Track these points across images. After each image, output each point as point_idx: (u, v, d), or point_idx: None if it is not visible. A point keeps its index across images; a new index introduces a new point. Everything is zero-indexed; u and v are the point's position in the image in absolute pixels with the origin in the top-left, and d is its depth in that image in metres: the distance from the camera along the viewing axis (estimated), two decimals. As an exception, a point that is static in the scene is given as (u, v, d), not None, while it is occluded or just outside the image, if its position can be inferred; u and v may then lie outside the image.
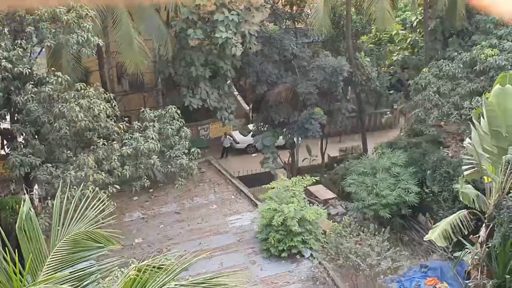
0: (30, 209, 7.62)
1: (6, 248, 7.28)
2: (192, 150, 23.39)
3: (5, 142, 23.21)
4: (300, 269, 20.56)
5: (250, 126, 34.01)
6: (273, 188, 22.42)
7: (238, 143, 35.63)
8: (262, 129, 30.00)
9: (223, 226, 23.37)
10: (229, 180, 27.33)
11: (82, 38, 19.70)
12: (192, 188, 26.43)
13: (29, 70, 19.29)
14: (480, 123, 16.60)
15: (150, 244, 22.04)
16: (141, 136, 21.41)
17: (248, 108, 37.59)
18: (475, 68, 26.24)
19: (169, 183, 25.00)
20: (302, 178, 22.90)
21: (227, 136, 34.97)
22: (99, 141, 20.47)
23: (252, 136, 30.82)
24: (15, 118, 20.84)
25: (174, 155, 22.69)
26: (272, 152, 29.14)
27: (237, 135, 35.57)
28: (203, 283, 7.39)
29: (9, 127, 20.83)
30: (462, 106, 25.43)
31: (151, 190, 25.12)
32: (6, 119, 21.38)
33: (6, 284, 6.85)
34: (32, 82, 19.64)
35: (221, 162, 31.57)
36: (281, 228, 20.75)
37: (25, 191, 19.33)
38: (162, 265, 7.41)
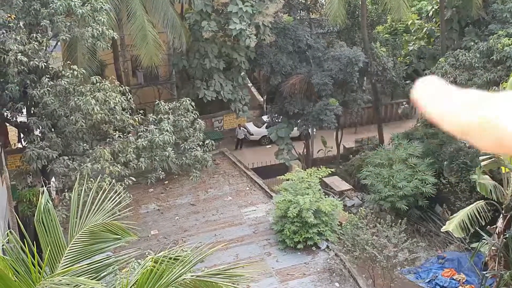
0: (48, 201, 7.67)
1: (25, 239, 7.34)
2: (207, 142, 23.41)
3: (22, 135, 23.42)
4: (316, 261, 20.55)
5: (264, 118, 33.97)
6: (288, 179, 22.37)
7: (252, 134, 35.59)
8: (277, 120, 29.92)
9: (238, 218, 23.41)
10: (243, 172, 27.34)
11: (97, 32, 19.76)
12: (206, 180, 26.48)
13: (45, 64, 19.41)
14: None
15: (165, 236, 22.15)
16: (156, 128, 21.47)
17: (262, 99, 37.53)
18: (492, 57, 25.96)
19: (184, 175, 25.08)
20: (317, 169, 22.83)
21: (241, 127, 34.95)
22: (114, 133, 20.56)
23: (266, 127, 30.71)
24: (32, 112, 21.00)
25: (188, 147, 22.73)
26: (286, 144, 29.07)
27: (251, 126, 35.53)
28: (218, 274, 7.40)
29: (26, 121, 21.00)
30: (479, 96, 25.16)
31: (166, 182, 25.22)
32: (22, 112, 21.56)
33: (24, 276, 6.91)
34: (48, 76, 19.75)
35: (236, 153, 31.57)
36: (296, 219, 20.72)
37: (43, 184, 19.48)
38: (178, 256, 7.44)
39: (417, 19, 39.11)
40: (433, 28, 37.56)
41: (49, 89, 19.44)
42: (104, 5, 20.41)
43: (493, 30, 28.05)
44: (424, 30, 38.57)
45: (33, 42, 18.97)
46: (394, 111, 39.58)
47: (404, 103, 39.54)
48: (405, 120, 38.57)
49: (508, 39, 25.61)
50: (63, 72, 19.88)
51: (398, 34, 37.74)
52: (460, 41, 30.65)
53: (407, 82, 35.94)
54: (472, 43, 27.89)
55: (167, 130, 21.43)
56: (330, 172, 23.66)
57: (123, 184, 18.67)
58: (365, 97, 30.23)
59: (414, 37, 39.14)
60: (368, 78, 31.75)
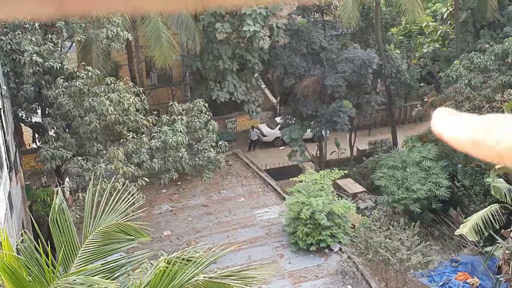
0: (62, 201, 7.72)
1: (39, 239, 7.39)
2: (220, 143, 23.45)
3: (36, 135, 23.59)
4: (328, 263, 20.49)
5: (278, 119, 33.94)
6: (301, 181, 22.35)
7: (266, 136, 35.57)
8: (290, 122, 29.90)
9: (250, 219, 23.41)
10: (256, 173, 27.34)
11: (112, 33, 19.89)
12: (219, 181, 26.51)
13: (60, 65, 19.56)
14: (512, 116, 16.30)
15: (178, 237, 22.20)
16: (169, 129, 21.55)
17: (275, 101, 37.50)
18: (507, 60, 25.75)
19: (197, 176, 25.13)
20: (330, 171, 22.78)
21: (255, 129, 34.94)
22: (128, 134, 20.67)
23: (280, 129, 30.70)
24: (46, 112, 21.18)
25: (202, 148, 22.78)
26: (299, 145, 29.04)
27: (264, 128, 35.52)
28: (231, 275, 7.41)
29: (41, 121, 21.17)
30: (494, 99, 25.00)
31: (179, 183, 25.28)
32: (37, 113, 21.75)
33: (38, 275, 6.96)
34: (63, 77, 19.90)
35: (249, 155, 31.57)
36: (309, 221, 20.68)
37: (57, 184, 19.62)
38: (191, 257, 7.45)
39: (432, 21, 38.90)
40: (447, 30, 37.35)
41: (64, 89, 19.58)
42: (118, 6, 20.49)
43: (509, 32, 27.86)
44: (438, 32, 38.36)
45: (48, 43, 19.12)
46: (408, 114, 39.36)
47: (418, 105, 39.33)
48: (419, 122, 38.32)
49: (524, 42, 25.42)
50: (77, 73, 20.02)
51: (412, 36, 37.57)
52: (475, 44, 30.46)
53: (421, 84, 35.77)
54: (487, 46, 27.69)
55: (180, 131, 21.50)
56: (343, 174, 23.59)
57: (136, 184, 18.75)
58: (379, 99, 30.12)
59: (429, 39, 38.93)
60: (382, 80, 31.63)
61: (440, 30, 38.17)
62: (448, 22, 36.91)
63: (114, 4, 0.58)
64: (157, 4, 0.59)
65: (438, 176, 25.07)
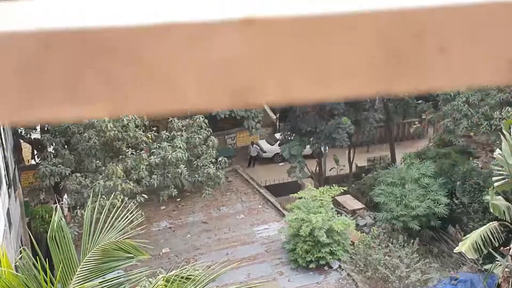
0: (61, 218, 7.72)
1: (37, 256, 7.38)
2: (220, 159, 23.46)
3: (35, 152, 23.59)
4: (328, 281, 20.42)
5: (277, 135, 33.97)
6: (301, 197, 22.34)
7: (265, 152, 35.57)
8: (289, 138, 29.94)
9: (250, 236, 23.35)
10: (256, 190, 27.33)
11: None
12: (219, 197, 26.47)
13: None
14: (510, 134, 16.34)
15: (177, 254, 22.12)
16: (169, 145, 21.56)
17: (275, 117, 37.56)
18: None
19: (196, 193, 25.09)
20: (330, 187, 22.79)
21: (254, 145, 34.96)
22: (127, 150, 20.68)
23: (279, 145, 30.74)
24: (46, 128, 21.20)
25: (201, 164, 22.77)
26: (299, 162, 29.05)
27: (264, 144, 35.54)
28: (231, 294, 7.40)
29: (40, 137, 21.18)
30: (492, 117, 25.06)
31: (179, 199, 25.24)
32: (36, 129, 21.77)
33: (37, 293, 6.94)
34: (63, 93, 19.96)
35: (248, 171, 31.57)
36: (308, 238, 20.64)
37: (56, 201, 19.60)
38: (190, 275, 7.44)
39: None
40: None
41: (64, 106, 19.64)
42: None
43: (507, 50, 27.98)
44: (437, 50, 38.55)
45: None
46: (406, 131, 39.44)
47: (416, 122, 39.43)
48: (417, 139, 38.39)
49: (522, 59, 25.52)
50: (77, 89, 20.09)
51: (411, 53, 37.77)
52: (473, 61, 30.59)
53: (419, 101, 35.87)
54: (486, 63, 27.84)
55: (180, 147, 21.51)
56: (343, 190, 23.60)
57: (135, 201, 18.72)
58: (377, 116, 30.22)
59: (427, 56, 39.12)
60: (380, 97, 31.75)
61: (439, 48, 38.36)
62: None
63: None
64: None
65: (436, 193, 25.05)
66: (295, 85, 0.62)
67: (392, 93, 0.66)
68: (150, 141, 21.83)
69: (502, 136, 17.00)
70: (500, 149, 17.19)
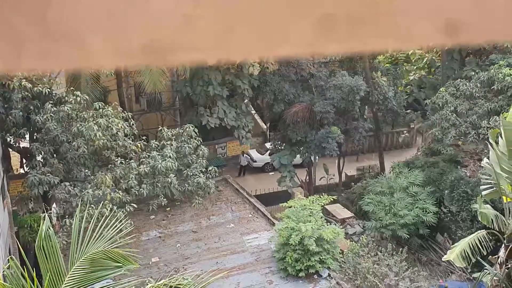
0: (49, 228, 7.70)
1: (25, 266, 7.36)
2: (210, 168, 23.45)
3: (24, 160, 23.48)
4: (317, 289, 20.42)
5: (268, 145, 34.08)
6: (290, 206, 22.37)
7: (256, 161, 35.64)
8: (280, 147, 30.02)
9: (240, 245, 23.32)
10: (246, 199, 27.31)
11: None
12: (209, 206, 26.43)
13: (49, 90, 19.60)
14: (498, 143, 16.47)
15: (167, 263, 22.05)
16: (158, 154, 21.54)
17: (265, 126, 37.67)
18: (493, 87, 26.06)
19: (186, 202, 25.05)
20: (320, 196, 22.84)
21: (245, 154, 35.01)
22: (117, 159, 20.64)
23: (270, 154, 30.81)
24: (34, 137, 21.12)
25: (191, 174, 22.75)
26: (289, 171, 29.12)
27: (254, 153, 35.60)
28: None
29: (28, 146, 21.10)
30: (479, 126, 25.25)
31: (168, 208, 25.17)
32: (25, 138, 21.68)
33: (24, 303, 6.92)
34: (51, 102, 19.92)
35: (239, 180, 31.57)
36: (298, 247, 20.65)
37: (44, 210, 19.51)
38: (179, 284, 7.45)
39: (418, 49, 39.42)
40: (433, 58, 37.84)
41: (52, 115, 19.59)
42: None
43: (494, 60, 28.24)
44: (424, 60, 38.85)
45: (38, 68, 19.16)
46: (395, 140, 39.68)
47: (405, 132, 39.67)
48: (405, 148, 38.65)
49: (509, 69, 25.73)
50: (66, 98, 20.06)
51: (399, 64, 38.04)
52: (461, 71, 30.84)
53: (408, 111, 36.10)
54: (473, 73, 28.05)
55: (170, 157, 21.49)
56: (332, 199, 23.65)
57: (124, 210, 18.67)
58: (366, 125, 30.38)
59: (415, 67, 39.42)
60: (369, 107, 31.93)
61: (426, 58, 38.67)
62: (434, 50, 37.41)
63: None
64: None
65: (425, 201, 25.16)
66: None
67: (327, 53, 0.66)
68: (140, 150, 21.79)
69: (489, 145, 17.12)
70: (488, 158, 17.30)
